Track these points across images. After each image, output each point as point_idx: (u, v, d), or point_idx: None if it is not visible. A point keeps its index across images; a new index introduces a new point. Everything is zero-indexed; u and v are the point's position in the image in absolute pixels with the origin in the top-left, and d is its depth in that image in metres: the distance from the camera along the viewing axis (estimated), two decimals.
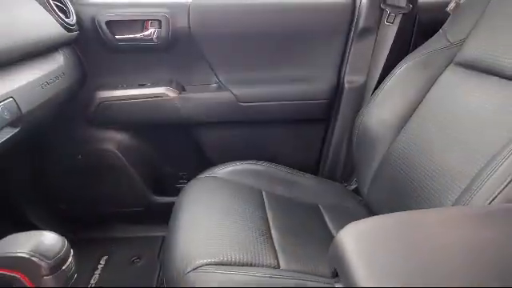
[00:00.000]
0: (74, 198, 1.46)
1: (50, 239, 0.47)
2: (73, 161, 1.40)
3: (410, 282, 0.46)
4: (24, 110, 0.85)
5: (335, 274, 0.54)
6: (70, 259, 0.48)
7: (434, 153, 0.92)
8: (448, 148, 0.89)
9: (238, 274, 0.79)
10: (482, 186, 0.70)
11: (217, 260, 0.80)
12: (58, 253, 0.47)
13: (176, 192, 1.27)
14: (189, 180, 1.23)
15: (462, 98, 0.94)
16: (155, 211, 1.50)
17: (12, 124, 0.83)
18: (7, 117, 0.79)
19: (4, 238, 0.47)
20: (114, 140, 1.43)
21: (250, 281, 0.78)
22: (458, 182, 0.80)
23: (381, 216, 0.63)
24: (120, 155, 1.43)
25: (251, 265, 0.82)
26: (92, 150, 1.41)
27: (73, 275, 0.49)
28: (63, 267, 0.47)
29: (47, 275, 0.45)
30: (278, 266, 0.83)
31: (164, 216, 1.21)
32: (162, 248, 1.41)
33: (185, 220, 0.98)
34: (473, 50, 0.98)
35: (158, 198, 1.52)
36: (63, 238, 0.49)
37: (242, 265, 0.81)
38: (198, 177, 1.21)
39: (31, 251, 0.45)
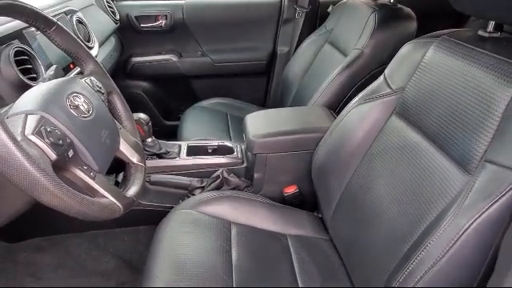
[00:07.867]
0: None
1: (142, 114, 1.36)
2: None
3: (266, 128, 1.35)
4: (107, 68, 1.69)
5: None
6: (150, 121, 1.37)
7: (309, 85, 1.73)
8: (312, 84, 1.71)
9: None
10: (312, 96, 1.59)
11: (201, 138, 1.67)
12: (147, 119, 1.35)
13: (177, 118, 2.00)
14: (185, 110, 1.96)
15: (325, 62, 1.78)
16: (165, 130, 2.15)
17: None
18: None
19: None
20: (141, 86, 2.15)
21: None
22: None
23: (271, 109, 1.51)
24: (145, 96, 2.15)
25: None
26: (127, 93, 2.09)
27: (151, 127, 1.38)
28: (149, 123, 1.36)
29: (145, 125, 1.35)
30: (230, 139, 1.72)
31: (170, 133, 1.95)
32: None
33: (187, 126, 1.82)
34: (335, 35, 1.77)
35: (166, 121, 2.25)
36: (147, 115, 1.37)
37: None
38: (191, 107, 1.98)
39: (138, 118, 1.34)
